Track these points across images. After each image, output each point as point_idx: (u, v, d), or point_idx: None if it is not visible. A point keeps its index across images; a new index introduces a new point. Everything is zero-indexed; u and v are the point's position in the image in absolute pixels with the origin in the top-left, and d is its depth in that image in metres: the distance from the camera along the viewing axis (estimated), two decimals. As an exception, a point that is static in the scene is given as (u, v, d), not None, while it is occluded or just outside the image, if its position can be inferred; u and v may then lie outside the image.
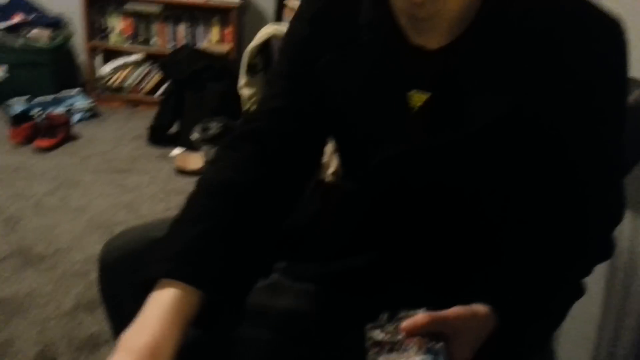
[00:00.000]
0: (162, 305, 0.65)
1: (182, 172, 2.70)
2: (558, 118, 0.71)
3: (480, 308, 0.68)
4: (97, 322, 1.64)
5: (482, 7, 0.71)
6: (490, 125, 0.71)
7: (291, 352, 0.85)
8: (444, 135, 0.74)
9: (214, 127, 2.74)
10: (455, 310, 0.66)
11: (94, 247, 2.03)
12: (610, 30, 0.70)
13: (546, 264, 0.74)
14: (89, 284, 1.82)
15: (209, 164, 0.87)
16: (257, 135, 0.81)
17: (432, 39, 0.74)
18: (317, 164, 0.89)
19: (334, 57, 0.79)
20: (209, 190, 0.77)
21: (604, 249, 0.79)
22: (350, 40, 0.78)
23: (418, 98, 0.76)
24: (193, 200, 0.77)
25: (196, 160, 2.73)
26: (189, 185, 2.55)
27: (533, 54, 0.69)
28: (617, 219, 0.78)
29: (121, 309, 0.96)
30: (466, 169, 0.76)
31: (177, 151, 2.89)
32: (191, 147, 2.81)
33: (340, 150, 0.90)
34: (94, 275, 1.88)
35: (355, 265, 0.86)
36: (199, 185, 0.79)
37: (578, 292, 0.78)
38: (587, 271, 0.78)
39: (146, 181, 2.61)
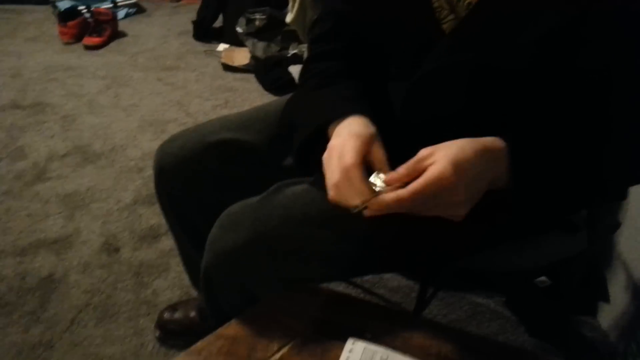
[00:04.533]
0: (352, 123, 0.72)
1: (229, 67, 2.67)
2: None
3: (485, 140, 0.65)
4: (156, 215, 1.73)
5: None
6: (544, 35, 0.65)
7: None
8: (491, 47, 0.69)
9: (258, 18, 2.65)
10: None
11: (148, 144, 2.09)
12: None
13: (572, 135, 0.69)
14: (145, 180, 1.90)
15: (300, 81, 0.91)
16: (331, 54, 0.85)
17: None
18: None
19: None
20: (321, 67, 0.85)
21: (630, 176, 0.71)
22: None
23: None
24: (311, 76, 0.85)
25: (242, 56, 2.69)
26: (235, 81, 2.57)
27: None
28: None
29: (178, 208, 1.01)
30: (514, 76, 0.71)
31: (222, 47, 2.85)
32: (236, 41, 2.75)
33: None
34: (149, 171, 1.96)
35: None
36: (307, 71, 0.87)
37: (600, 191, 0.72)
38: (615, 177, 0.71)
39: (193, 78, 2.61)
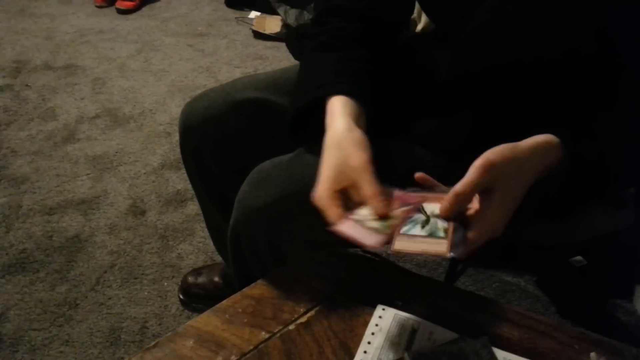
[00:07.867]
0: (345, 109, 0.70)
1: (260, 35, 2.63)
2: None
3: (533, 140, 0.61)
4: (183, 180, 1.72)
5: None
6: None
7: None
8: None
9: (292, -14, 2.60)
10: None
11: (177, 109, 2.08)
12: None
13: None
14: (173, 145, 1.89)
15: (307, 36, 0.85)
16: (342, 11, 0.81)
17: None
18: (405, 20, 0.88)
19: None
20: (327, 34, 0.80)
21: None
22: None
23: None
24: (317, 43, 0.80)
25: (274, 23, 2.64)
26: (266, 49, 2.54)
27: None
28: None
29: (204, 169, 0.98)
30: (561, 35, 0.68)
31: (254, 14, 2.80)
32: (269, 9, 2.71)
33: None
34: (177, 136, 1.94)
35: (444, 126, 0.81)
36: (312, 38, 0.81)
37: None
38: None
39: (224, 45, 2.58)
